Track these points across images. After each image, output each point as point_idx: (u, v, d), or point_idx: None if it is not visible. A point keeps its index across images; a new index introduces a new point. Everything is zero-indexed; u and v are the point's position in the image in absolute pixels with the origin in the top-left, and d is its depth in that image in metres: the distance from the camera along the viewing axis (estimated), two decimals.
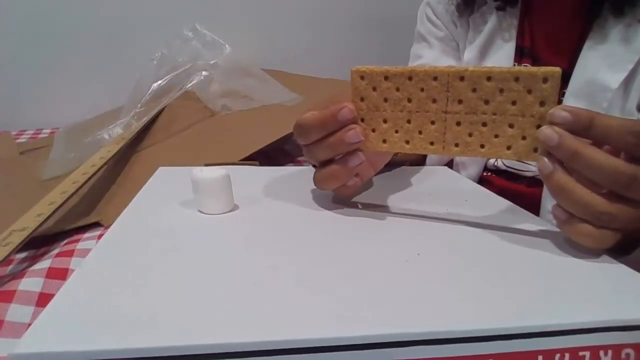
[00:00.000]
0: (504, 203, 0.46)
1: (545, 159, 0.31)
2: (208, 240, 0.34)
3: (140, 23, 1.00)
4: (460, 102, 0.33)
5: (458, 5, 0.67)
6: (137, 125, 0.68)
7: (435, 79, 0.33)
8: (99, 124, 0.69)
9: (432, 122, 0.35)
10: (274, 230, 0.36)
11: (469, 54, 0.67)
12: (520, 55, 0.62)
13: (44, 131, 0.86)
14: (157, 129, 0.70)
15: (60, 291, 0.24)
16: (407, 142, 0.36)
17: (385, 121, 0.36)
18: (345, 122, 0.35)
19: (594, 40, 0.55)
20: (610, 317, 0.25)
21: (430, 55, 0.72)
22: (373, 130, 0.36)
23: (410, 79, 0.34)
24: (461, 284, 0.28)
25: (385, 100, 0.35)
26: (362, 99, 0.35)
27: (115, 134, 0.66)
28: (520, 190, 0.63)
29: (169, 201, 0.40)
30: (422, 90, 0.34)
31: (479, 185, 0.54)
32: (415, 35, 0.77)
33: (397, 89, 0.35)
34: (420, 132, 0.35)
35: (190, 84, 0.73)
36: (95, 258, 0.29)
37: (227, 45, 0.79)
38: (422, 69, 0.34)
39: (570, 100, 0.55)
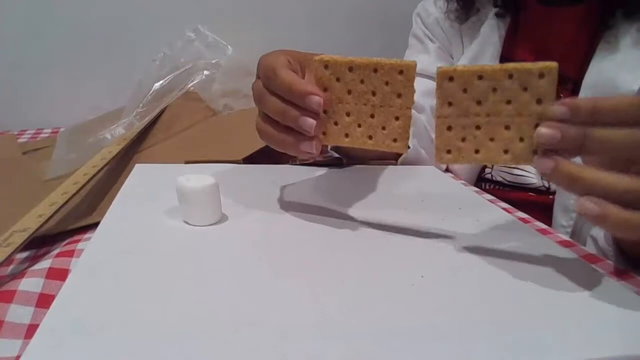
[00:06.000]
0: (498, 212, 0.45)
1: (544, 158, 0.29)
2: (192, 258, 0.32)
3: (142, 24, 0.99)
4: (450, 104, 0.31)
5: (457, 11, 0.67)
6: (138, 125, 0.68)
7: (400, 72, 0.32)
8: (101, 124, 0.69)
9: (397, 118, 0.33)
10: (261, 247, 0.35)
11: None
12: None
13: (44, 131, 0.86)
14: (158, 129, 0.70)
15: (44, 322, 0.24)
16: (370, 137, 0.34)
17: (348, 114, 0.34)
18: (308, 109, 0.33)
19: (605, 47, 0.55)
20: (624, 352, 0.24)
21: (425, 60, 0.71)
22: (335, 124, 0.34)
23: (375, 71, 0.32)
24: (469, 321, 0.27)
25: (349, 92, 0.33)
26: (325, 90, 0.34)
27: (118, 134, 0.66)
28: (531, 199, 0.63)
29: (152, 209, 0.39)
30: (386, 84, 0.32)
31: (468, 189, 0.54)
32: (409, 42, 0.77)
33: (362, 82, 0.33)
34: (383, 128, 0.33)
35: (192, 84, 0.73)
36: (77, 280, 0.29)
37: (229, 47, 0.79)
38: (388, 61, 0.32)
39: None
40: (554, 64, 0.29)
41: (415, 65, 0.32)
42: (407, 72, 0.32)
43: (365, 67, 0.32)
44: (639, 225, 0.27)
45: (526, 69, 0.29)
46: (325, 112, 0.34)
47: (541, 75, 0.29)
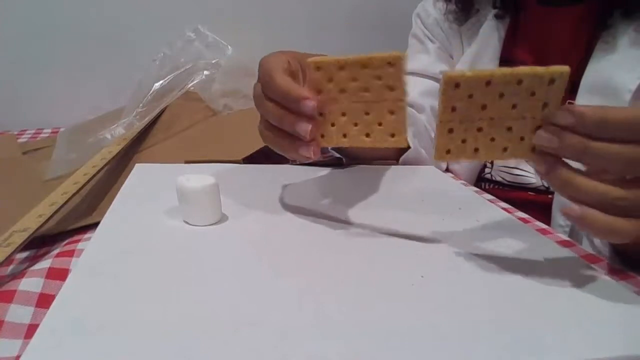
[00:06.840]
0: (498, 212, 0.45)
1: (540, 159, 0.29)
2: (192, 258, 0.32)
3: (142, 24, 0.99)
4: (453, 109, 0.30)
5: (455, 13, 0.67)
6: (138, 125, 0.68)
7: (390, 64, 0.31)
8: (101, 124, 0.69)
9: (391, 112, 0.32)
10: (261, 247, 0.35)
11: (460, 67, 0.67)
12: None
13: (44, 131, 0.86)
14: (158, 128, 0.70)
15: (44, 322, 0.24)
16: (367, 135, 0.33)
17: (343, 114, 0.34)
18: (303, 114, 0.33)
19: (603, 47, 0.55)
20: (624, 352, 0.24)
21: (425, 60, 0.71)
22: (332, 125, 0.34)
23: (365, 67, 0.32)
24: (469, 321, 0.27)
25: (342, 91, 0.33)
26: (319, 92, 0.33)
27: (118, 134, 0.66)
28: (530, 199, 0.63)
29: (152, 209, 0.39)
30: (378, 78, 0.32)
31: (468, 189, 0.54)
32: (409, 43, 0.77)
33: (354, 79, 0.32)
34: (380, 124, 0.33)
35: (192, 84, 0.73)
36: (77, 280, 0.29)
37: (229, 47, 0.79)
38: (377, 55, 0.31)
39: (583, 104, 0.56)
40: (565, 69, 0.28)
41: (404, 56, 0.31)
42: (396, 64, 0.31)
43: (355, 65, 0.32)
44: (621, 230, 0.28)
45: (537, 74, 0.28)
46: (321, 114, 0.34)
47: (551, 81, 0.28)
